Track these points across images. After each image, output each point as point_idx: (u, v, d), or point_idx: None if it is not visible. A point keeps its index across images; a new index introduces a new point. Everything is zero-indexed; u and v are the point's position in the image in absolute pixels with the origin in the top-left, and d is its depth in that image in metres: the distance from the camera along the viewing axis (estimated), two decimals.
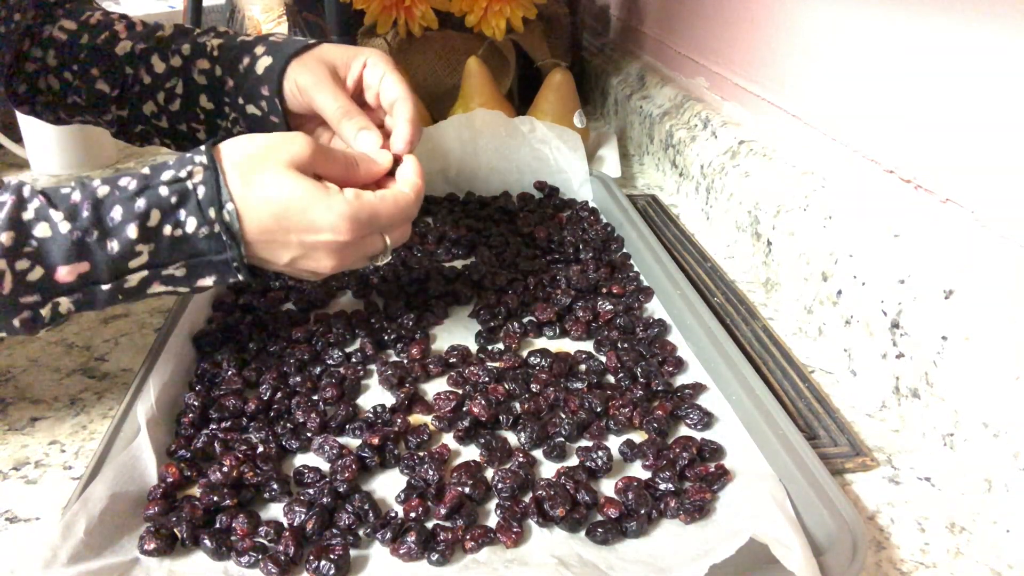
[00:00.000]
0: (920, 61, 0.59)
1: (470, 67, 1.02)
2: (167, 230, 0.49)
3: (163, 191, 0.49)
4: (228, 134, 0.69)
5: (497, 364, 0.61)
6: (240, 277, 0.52)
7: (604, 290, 0.70)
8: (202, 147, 0.51)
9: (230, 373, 0.58)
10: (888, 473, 0.52)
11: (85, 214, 0.47)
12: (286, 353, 0.61)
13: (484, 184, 0.93)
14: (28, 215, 0.47)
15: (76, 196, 0.48)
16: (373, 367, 0.61)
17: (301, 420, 0.54)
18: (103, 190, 0.48)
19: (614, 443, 0.53)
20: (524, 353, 0.62)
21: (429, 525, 0.46)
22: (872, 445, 0.54)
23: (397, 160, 0.59)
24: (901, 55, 0.62)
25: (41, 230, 0.46)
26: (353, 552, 0.44)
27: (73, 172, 1.08)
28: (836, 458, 0.52)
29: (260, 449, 0.51)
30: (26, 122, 1.05)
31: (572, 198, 0.91)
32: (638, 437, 0.54)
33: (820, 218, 0.67)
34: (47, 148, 1.06)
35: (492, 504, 0.48)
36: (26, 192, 0.47)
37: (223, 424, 0.54)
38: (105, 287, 0.49)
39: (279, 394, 0.56)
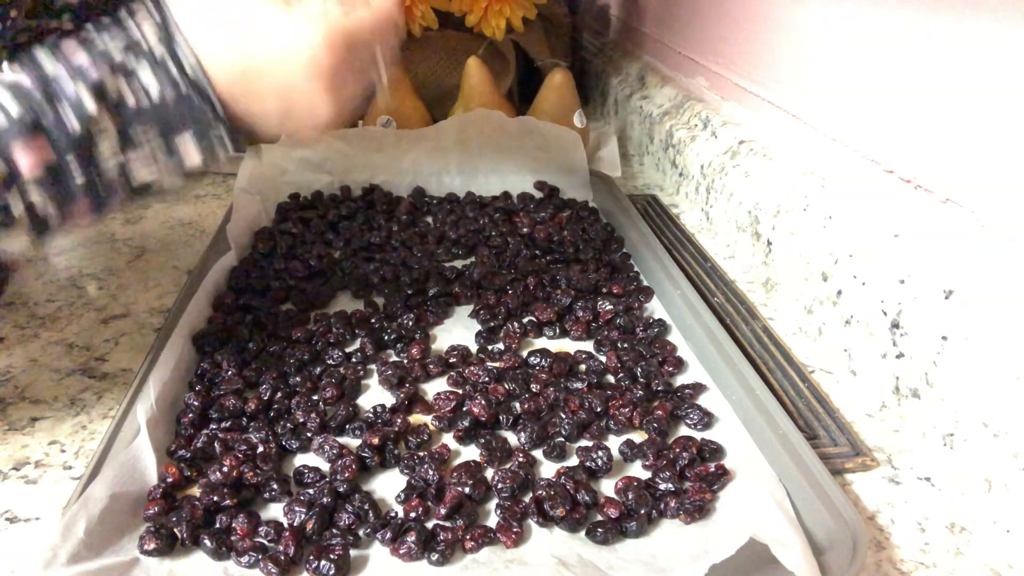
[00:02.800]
0: (920, 61, 0.59)
1: (470, 67, 1.02)
2: (122, 84, 0.43)
3: (117, 59, 0.43)
4: None
5: (497, 364, 0.61)
6: (219, 114, 0.45)
7: (604, 290, 0.70)
8: None
9: (230, 373, 0.58)
10: (888, 473, 0.52)
11: (37, 96, 0.42)
12: (286, 353, 0.61)
13: (484, 184, 0.93)
14: None
15: (26, 81, 0.43)
16: (373, 367, 0.61)
17: (301, 420, 0.54)
18: (52, 68, 0.43)
19: (614, 443, 0.53)
20: (524, 353, 0.62)
21: (429, 525, 0.46)
22: (872, 445, 0.54)
23: None
24: (901, 55, 0.62)
25: None
26: (353, 552, 0.44)
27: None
28: (836, 458, 0.52)
29: (260, 449, 0.51)
30: None
31: (572, 198, 0.91)
32: (638, 437, 0.54)
33: (820, 218, 0.67)
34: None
35: (492, 504, 0.48)
36: None
37: (223, 424, 0.54)
38: (70, 157, 0.43)
39: (279, 394, 0.56)
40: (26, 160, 0.42)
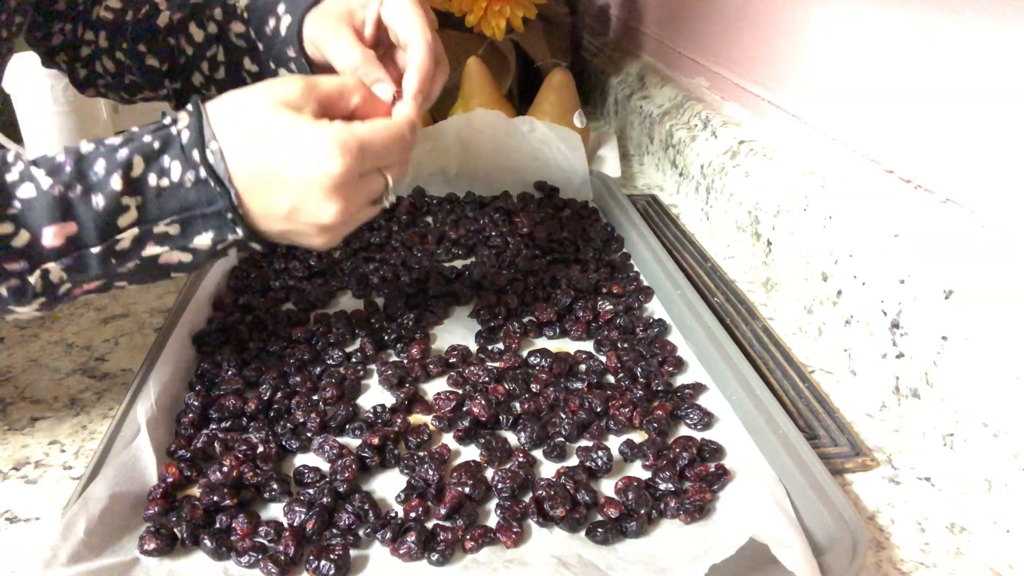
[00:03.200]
0: (920, 61, 0.59)
1: (470, 67, 1.02)
2: (152, 179, 0.46)
3: (146, 139, 0.47)
4: None
5: (497, 364, 0.61)
6: (239, 233, 0.48)
7: (604, 290, 0.70)
8: (190, 105, 0.48)
9: (230, 373, 0.58)
10: (888, 473, 0.52)
11: (68, 169, 0.45)
12: (286, 353, 0.61)
13: (484, 184, 0.93)
14: (11, 177, 0.45)
15: (60, 157, 0.46)
16: (373, 367, 0.61)
17: (301, 420, 0.54)
18: (87, 147, 0.46)
19: (614, 443, 0.53)
20: (524, 353, 0.62)
21: (429, 525, 0.46)
22: (872, 445, 0.54)
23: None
24: (901, 55, 0.62)
25: (24, 191, 0.44)
26: (353, 552, 0.44)
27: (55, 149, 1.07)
28: (836, 458, 0.52)
29: (260, 449, 0.51)
30: (26, 122, 1.05)
31: (572, 198, 0.91)
32: (638, 437, 0.54)
33: (820, 218, 0.67)
34: (47, 148, 1.06)
35: (492, 504, 0.48)
36: (10, 157, 0.45)
37: (223, 424, 0.54)
38: (95, 250, 0.46)
39: (279, 394, 0.56)
40: (50, 232, 0.44)
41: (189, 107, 0.48)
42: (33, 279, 0.45)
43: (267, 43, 0.64)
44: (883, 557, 0.45)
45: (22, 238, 0.44)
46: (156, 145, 0.46)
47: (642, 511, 0.46)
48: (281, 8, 0.63)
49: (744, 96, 0.91)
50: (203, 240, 0.48)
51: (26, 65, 0.97)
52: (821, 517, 0.44)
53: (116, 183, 0.45)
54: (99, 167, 0.45)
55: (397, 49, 0.61)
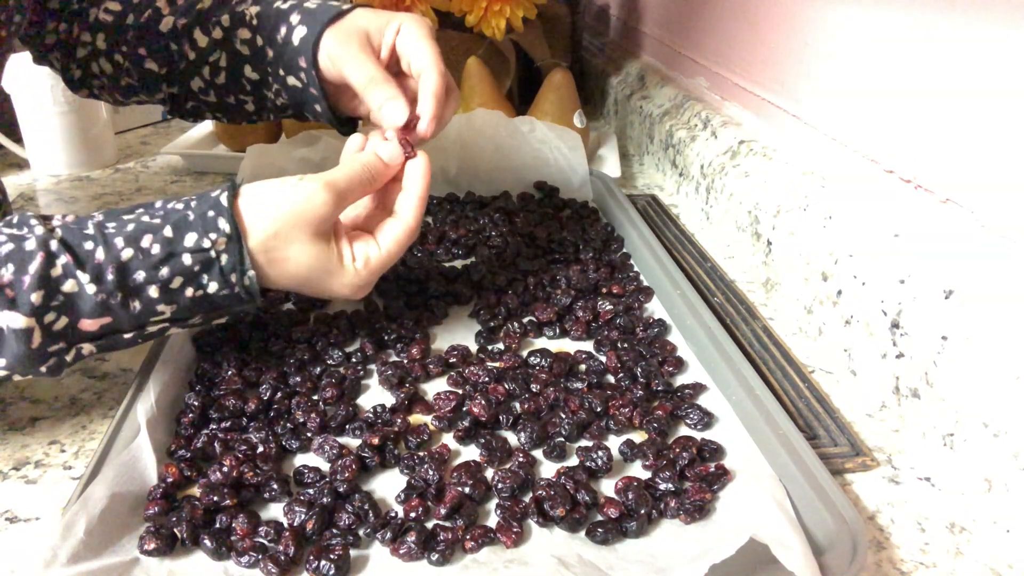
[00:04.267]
0: (920, 60, 0.59)
1: (470, 67, 1.02)
2: (188, 292, 0.50)
3: (186, 260, 0.50)
4: (273, 106, 0.70)
5: (497, 364, 0.61)
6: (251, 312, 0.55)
7: (604, 290, 0.70)
8: (223, 199, 0.51)
9: (230, 373, 0.58)
10: (888, 473, 0.52)
11: (110, 277, 0.48)
12: (286, 353, 0.61)
13: (484, 184, 0.93)
14: (56, 271, 0.47)
15: (100, 255, 0.48)
16: (373, 367, 0.61)
17: (301, 420, 0.54)
18: (127, 253, 0.49)
19: (614, 443, 0.53)
20: (524, 353, 0.62)
21: (429, 525, 0.46)
22: (872, 445, 0.54)
23: (412, 120, 0.60)
24: (901, 55, 0.62)
25: (68, 286, 0.47)
26: (353, 552, 0.44)
27: (73, 172, 1.08)
28: (836, 458, 0.52)
29: (260, 449, 0.51)
30: (26, 122, 1.05)
31: (572, 198, 0.91)
32: (638, 437, 0.54)
33: (820, 218, 0.67)
34: (47, 148, 1.06)
35: (492, 504, 0.48)
36: (53, 246, 0.47)
37: (223, 424, 0.54)
38: (127, 336, 0.50)
39: (279, 394, 0.56)
40: (88, 323, 0.48)
41: (226, 228, 0.50)
42: (69, 357, 0.49)
43: (277, 50, 0.65)
44: (883, 557, 0.45)
45: (62, 322, 0.48)
46: (196, 268, 0.50)
47: (642, 511, 0.46)
48: (295, 18, 0.65)
49: (744, 96, 0.91)
50: (219, 321, 0.54)
51: (26, 65, 0.97)
52: (821, 517, 0.44)
53: (154, 292, 0.49)
54: (139, 277, 0.49)
55: (407, 78, 0.64)
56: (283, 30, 0.65)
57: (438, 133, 0.62)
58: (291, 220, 0.52)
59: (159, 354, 0.58)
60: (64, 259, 0.47)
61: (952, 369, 0.50)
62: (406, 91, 0.62)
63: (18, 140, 1.09)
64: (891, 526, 0.47)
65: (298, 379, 0.58)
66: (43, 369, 0.48)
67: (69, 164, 1.07)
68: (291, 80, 0.66)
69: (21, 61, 0.97)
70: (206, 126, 1.16)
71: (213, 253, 0.50)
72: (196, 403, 0.55)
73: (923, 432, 0.53)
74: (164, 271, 0.49)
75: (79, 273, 0.47)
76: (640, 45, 1.31)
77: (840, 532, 0.43)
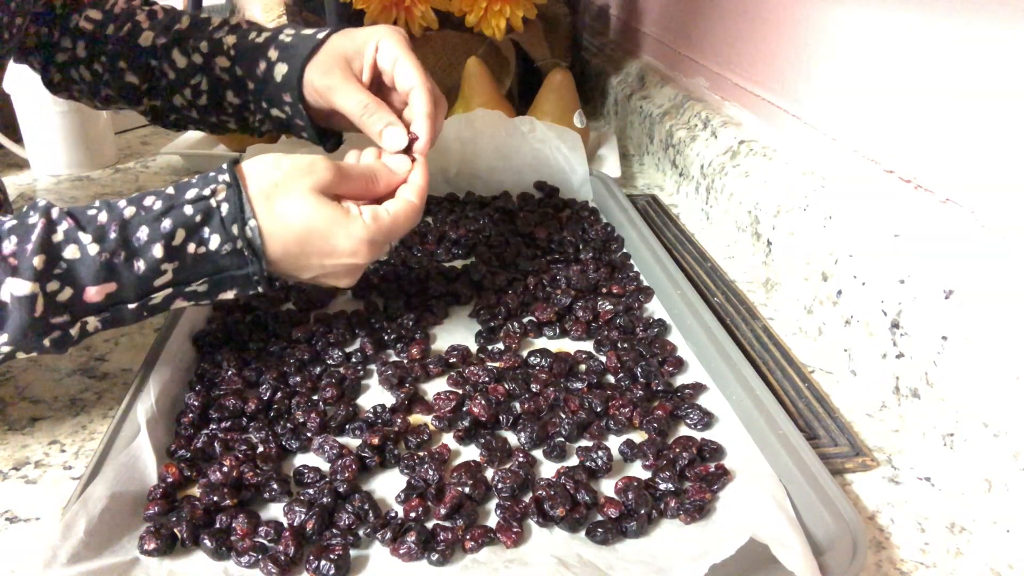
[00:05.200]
0: (920, 60, 0.59)
1: (470, 67, 1.02)
2: (191, 248, 0.50)
3: (188, 210, 0.49)
4: (256, 129, 0.71)
5: (497, 364, 0.61)
6: (260, 290, 0.52)
7: (604, 290, 0.70)
8: (224, 164, 0.51)
9: (230, 373, 0.58)
10: (888, 473, 0.52)
11: (112, 235, 0.48)
12: (286, 353, 0.61)
13: (484, 184, 0.93)
14: (58, 237, 0.47)
15: (103, 217, 0.48)
16: (373, 367, 0.61)
17: (301, 420, 0.54)
18: (129, 211, 0.49)
19: (614, 443, 0.53)
20: (524, 353, 0.62)
21: (429, 525, 0.46)
22: (872, 445, 0.54)
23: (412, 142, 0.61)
24: (901, 55, 0.62)
25: (70, 252, 0.47)
26: (353, 552, 0.44)
27: (73, 172, 1.08)
28: (836, 458, 0.52)
29: (260, 449, 0.51)
30: (26, 122, 1.05)
31: (572, 198, 0.91)
32: (638, 437, 0.54)
33: (820, 218, 0.67)
34: (47, 148, 1.06)
35: (492, 504, 0.48)
36: (55, 214, 0.48)
37: (223, 424, 0.54)
38: (131, 306, 0.49)
39: (279, 394, 0.56)
40: (93, 290, 0.48)
41: (226, 178, 0.51)
42: (74, 331, 0.49)
43: (258, 84, 0.66)
44: (883, 557, 0.45)
45: (66, 293, 0.47)
46: (198, 219, 0.49)
47: (642, 511, 0.46)
48: (273, 54, 0.65)
49: (744, 96, 0.91)
50: (227, 295, 0.52)
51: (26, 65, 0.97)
52: (821, 517, 0.44)
53: (158, 251, 0.49)
54: (142, 234, 0.49)
55: (392, 91, 0.65)
56: (263, 65, 0.65)
57: (434, 143, 0.62)
58: (292, 173, 0.52)
59: (159, 354, 0.58)
60: (66, 224, 0.47)
61: (952, 369, 0.50)
62: (393, 106, 0.63)
63: (18, 140, 1.08)
64: (891, 526, 0.47)
65: (298, 379, 0.58)
66: (47, 343, 0.48)
67: (69, 164, 1.07)
68: (275, 112, 0.67)
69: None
70: None
71: (214, 202, 0.50)
72: (196, 403, 0.55)
73: (923, 432, 0.53)
74: (166, 223, 0.49)
75: (80, 235, 0.47)
76: (640, 45, 1.31)
77: (840, 532, 0.43)
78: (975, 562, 0.45)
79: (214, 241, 0.50)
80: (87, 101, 0.75)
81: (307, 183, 0.52)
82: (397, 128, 0.60)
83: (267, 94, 0.66)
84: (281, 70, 0.64)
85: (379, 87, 0.64)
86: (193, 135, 1.13)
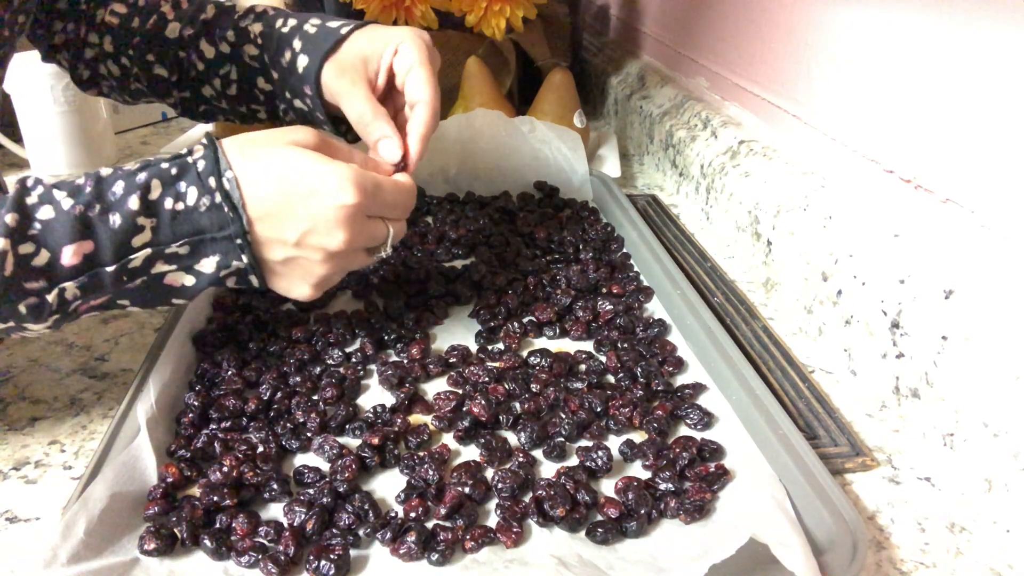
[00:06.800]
0: (920, 61, 0.59)
1: (470, 67, 1.02)
2: (168, 203, 0.48)
3: (164, 165, 0.49)
4: (283, 118, 0.71)
5: (497, 364, 0.61)
6: (243, 260, 0.50)
7: (604, 290, 0.70)
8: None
9: (230, 373, 0.58)
10: (888, 473, 0.52)
11: (88, 190, 0.47)
12: (286, 353, 0.61)
13: (484, 184, 0.93)
14: (32, 199, 0.47)
15: (80, 180, 0.48)
16: (373, 367, 0.61)
17: (301, 420, 0.54)
18: (106, 171, 0.49)
19: (614, 443, 0.53)
20: (524, 353, 0.62)
21: (429, 525, 0.46)
22: (872, 445, 0.54)
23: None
24: (901, 55, 0.62)
25: (44, 212, 0.46)
26: (353, 552, 0.44)
27: (73, 172, 1.08)
28: (836, 458, 0.52)
29: (260, 449, 0.51)
30: (26, 122, 1.05)
31: (572, 198, 0.91)
32: (638, 437, 0.54)
33: (820, 218, 0.67)
34: (47, 148, 1.06)
35: (492, 504, 0.48)
36: (30, 181, 0.47)
37: (223, 424, 0.54)
38: (109, 269, 0.48)
39: (279, 394, 0.56)
40: (69, 251, 0.46)
41: (204, 140, 0.50)
42: (51, 297, 0.47)
43: (282, 74, 0.67)
44: (883, 557, 0.45)
45: (42, 257, 0.46)
46: (174, 171, 0.49)
47: (642, 511, 0.46)
48: (297, 44, 0.65)
49: (744, 96, 0.91)
50: (209, 263, 0.50)
51: (26, 65, 0.97)
52: (821, 517, 0.44)
53: (133, 203, 0.47)
54: (117, 188, 0.48)
55: (399, 95, 0.64)
56: (287, 55, 0.66)
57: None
58: (268, 134, 0.52)
59: (159, 354, 0.58)
60: (41, 188, 0.47)
61: (952, 369, 0.50)
62: (395, 104, 0.63)
63: (18, 140, 1.08)
64: (891, 526, 0.47)
65: (298, 379, 0.58)
66: (23, 308, 0.46)
67: (69, 164, 1.07)
68: (297, 103, 0.67)
69: (21, 61, 0.97)
70: (206, 126, 1.16)
71: (190, 159, 0.49)
72: (196, 403, 0.55)
73: (923, 432, 0.53)
74: (141, 176, 0.48)
75: (55, 193, 0.47)
76: (640, 45, 1.31)
77: (840, 532, 0.43)
78: (975, 562, 0.45)
79: (191, 196, 0.48)
80: (117, 96, 0.75)
81: (286, 139, 0.51)
82: (392, 141, 0.60)
83: (290, 84, 0.66)
84: (303, 61, 0.64)
85: (391, 88, 0.64)
86: (194, 135, 1.13)
